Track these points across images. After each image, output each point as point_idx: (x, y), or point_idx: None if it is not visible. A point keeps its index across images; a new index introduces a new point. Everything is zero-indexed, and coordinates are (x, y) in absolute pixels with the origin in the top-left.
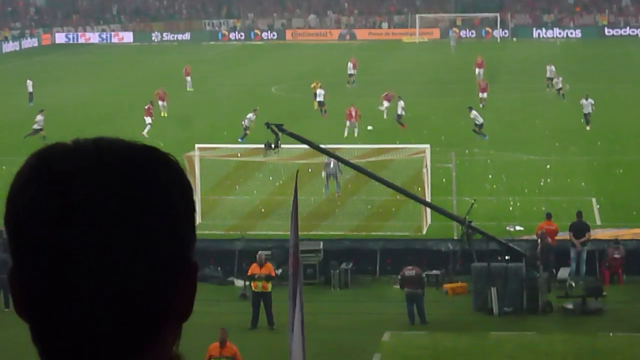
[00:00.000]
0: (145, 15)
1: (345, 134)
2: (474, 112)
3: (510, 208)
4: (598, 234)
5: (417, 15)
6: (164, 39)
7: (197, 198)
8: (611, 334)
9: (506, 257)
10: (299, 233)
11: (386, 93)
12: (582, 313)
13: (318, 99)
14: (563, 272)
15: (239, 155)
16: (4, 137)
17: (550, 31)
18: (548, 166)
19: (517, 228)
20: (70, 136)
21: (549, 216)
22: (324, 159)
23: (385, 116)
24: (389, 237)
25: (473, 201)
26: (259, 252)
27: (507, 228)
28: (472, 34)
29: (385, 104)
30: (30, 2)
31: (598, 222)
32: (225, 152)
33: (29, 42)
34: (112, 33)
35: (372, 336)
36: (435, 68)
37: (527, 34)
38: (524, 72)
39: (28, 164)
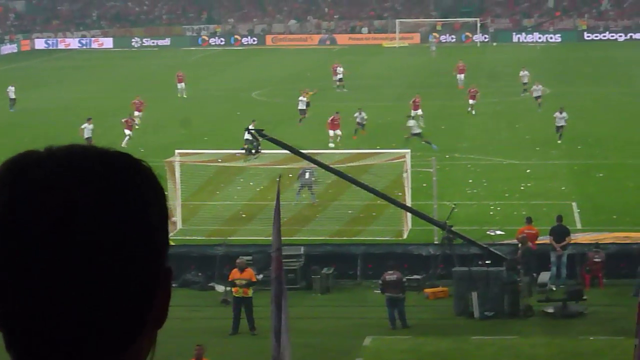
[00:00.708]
0: (125, 21)
1: (332, 145)
2: (411, 121)
3: (491, 212)
4: (579, 237)
5: (397, 20)
6: (144, 44)
7: (178, 203)
8: (592, 338)
9: (487, 262)
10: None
11: (413, 99)
12: (563, 316)
13: (300, 107)
14: (544, 276)
15: (219, 160)
16: None
17: (530, 35)
18: (528, 170)
19: (498, 232)
20: (51, 141)
21: (529, 220)
22: (301, 167)
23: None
24: (370, 241)
25: (454, 206)
26: (240, 258)
27: (488, 232)
28: (452, 38)
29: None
30: (10, 8)
31: (579, 226)
32: (206, 158)
33: (9, 48)
34: (92, 39)
35: (354, 340)
36: (416, 73)
37: (507, 39)
38: (504, 76)
39: (1, 172)
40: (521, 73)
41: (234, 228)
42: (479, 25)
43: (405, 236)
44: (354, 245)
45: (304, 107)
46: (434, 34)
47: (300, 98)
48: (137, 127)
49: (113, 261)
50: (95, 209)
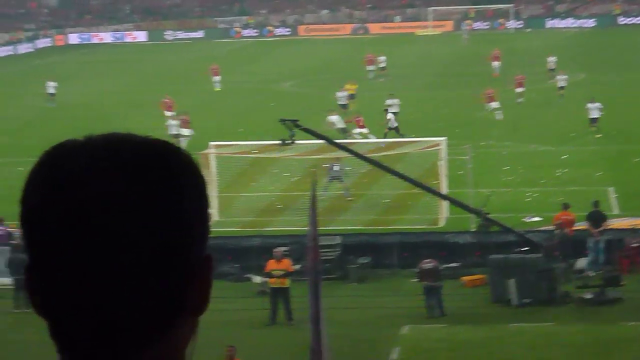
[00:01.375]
0: (157, 14)
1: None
2: (389, 114)
3: (527, 199)
4: (616, 223)
5: (429, 8)
6: (177, 37)
7: (214, 195)
8: (631, 323)
9: (523, 249)
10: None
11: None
12: (601, 303)
13: (340, 102)
14: (581, 262)
15: (254, 152)
16: (22, 137)
17: (563, 21)
18: (564, 157)
19: (534, 219)
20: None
21: (565, 206)
22: (331, 159)
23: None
24: (405, 230)
25: (489, 193)
26: (276, 248)
27: (524, 219)
28: (485, 25)
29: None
30: (43, 3)
31: (616, 212)
32: (241, 149)
33: (43, 43)
34: (125, 32)
35: (391, 330)
36: (449, 60)
37: (541, 25)
38: (538, 63)
39: (40, 163)
40: (549, 59)
41: (269, 219)
42: (512, 11)
43: (441, 224)
44: (389, 234)
45: (345, 102)
46: (467, 21)
47: (339, 94)
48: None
49: (149, 249)
50: (130, 198)
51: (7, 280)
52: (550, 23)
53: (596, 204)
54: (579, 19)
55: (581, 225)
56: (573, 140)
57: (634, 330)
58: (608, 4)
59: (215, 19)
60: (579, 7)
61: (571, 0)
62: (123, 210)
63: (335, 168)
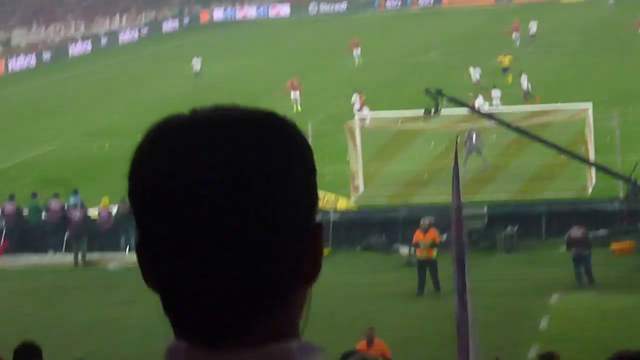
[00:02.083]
0: None
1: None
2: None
3: None
4: None
5: None
6: (320, 10)
7: (359, 167)
8: None
9: None
10: (462, 198)
11: None
12: None
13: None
14: None
15: (399, 122)
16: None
17: None
18: None
19: None
20: None
21: None
22: (465, 135)
23: None
24: (553, 198)
25: (638, 160)
26: (423, 219)
27: None
28: None
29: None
30: None
31: None
32: (385, 120)
33: (188, 20)
34: (270, 6)
35: (539, 300)
36: (595, 26)
37: None
38: None
39: (147, 138)
40: None
41: (415, 191)
42: None
43: (589, 192)
44: (537, 203)
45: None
46: None
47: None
48: (298, 109)
49: (262, 223)
50: (241, 171)
51: None
52: None
53: None
54: None
55: None
56: None
57: None
58: None
59: None
60: None
61: None
62: (235, 184)
63: (474, 141)
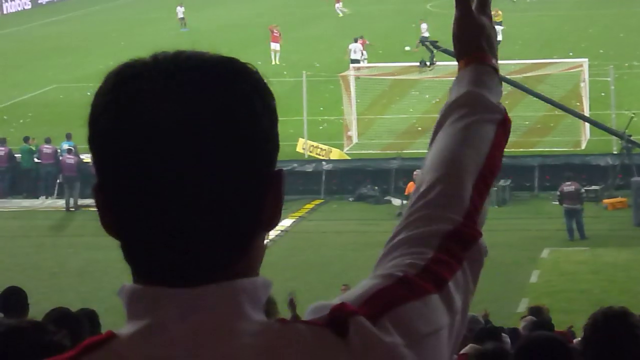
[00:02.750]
0: None
1: None
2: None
3: None
4: None
5: None
6: None
7: (354, 117)
8: None
9: None
10: None
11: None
12: None
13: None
14: None
15: (394, 73)
16: None
17: None
18: None
19: None
20: None
21: None
22: None
23: None
24: (546, 152)
25: (632, 114)
26: (416, 171)
27: None
28: None
29: None
30: None
31: None
32: (380, 71)
33: None
34: None
35: (531, 253)
36: None
37: None
38: None
39: (107, 83)
40: None
41: (409, 141)
42: None
43: (583, 146)
44: (530, 156)
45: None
46: None
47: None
48: (276, 63)
49: (223, 167)
50: (202, 116)
51: None
52: None
53: None
54: None
55: None
56: None
57: None
58: None
59: None
60: None
61: None
62: (196, 129)
63: None
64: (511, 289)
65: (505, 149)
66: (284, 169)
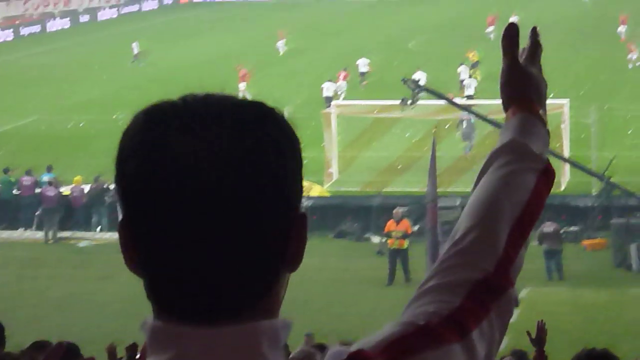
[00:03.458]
0: None
1: None
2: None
3: None
4: None
5: None
6: None
7: (334, 154)
8: None
9: None
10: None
11: None
12: None
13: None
14: None
15: (375, 111)
16: (150, 94)
17: None
18: None
19: None
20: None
21: None
22: (457, 118)
23: None
24: None
25: (613, 157)
26: (396, 209)
27: None
28: None
29: None
30: None
31: None
32: (362, 109)
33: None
34: None
35: None
36: (573, 22)
37: None
38: None
39: (135, 123)
40: None
41: (389, 179)
42: None
43: (562, 187)
44: None
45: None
46: None
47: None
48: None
49: (249, 210)
50: (232, 157)
51: None
52: None
53: None
54: None
55: None
56: None
57: None
58: None
59: None
60: None
61: None
62: (225, 169)
63: (465, 125)
64: None
65: None
66: None
